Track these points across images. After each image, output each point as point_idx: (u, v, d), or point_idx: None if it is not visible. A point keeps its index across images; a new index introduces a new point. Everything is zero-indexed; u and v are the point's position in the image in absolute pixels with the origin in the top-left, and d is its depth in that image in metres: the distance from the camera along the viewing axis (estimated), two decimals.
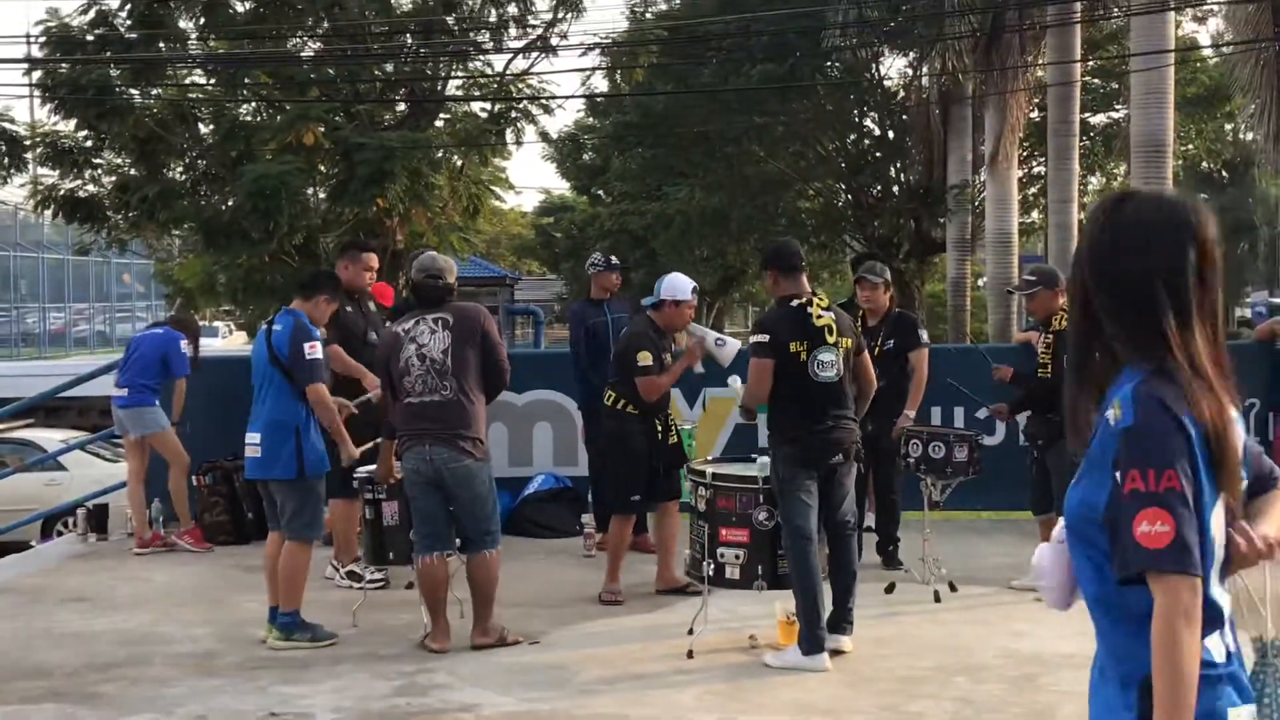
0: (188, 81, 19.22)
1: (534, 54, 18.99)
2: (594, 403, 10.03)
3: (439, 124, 19.61)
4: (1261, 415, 11.70)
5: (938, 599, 8.63)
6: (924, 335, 9.66)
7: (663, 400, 8.94)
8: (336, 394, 8.45)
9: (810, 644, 7.17)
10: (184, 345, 11.09)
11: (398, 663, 7.46)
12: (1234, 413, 2.66)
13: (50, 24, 17.54)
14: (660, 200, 32.77)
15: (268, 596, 8.00)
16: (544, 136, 32.64)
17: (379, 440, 8.20)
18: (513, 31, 18.97)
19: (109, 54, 17.72)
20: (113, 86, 17.38)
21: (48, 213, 19.34)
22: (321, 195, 18.62)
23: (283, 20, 18.53)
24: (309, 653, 7.68)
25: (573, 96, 28.87)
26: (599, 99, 30.20)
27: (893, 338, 9.32)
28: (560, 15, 18.50)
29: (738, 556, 7.50)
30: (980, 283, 32.10)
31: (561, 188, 52.70)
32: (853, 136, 31.51)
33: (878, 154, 31.14)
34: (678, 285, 8.91)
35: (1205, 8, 28.64)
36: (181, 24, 18.38)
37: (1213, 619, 2.60)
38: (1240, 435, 2.67)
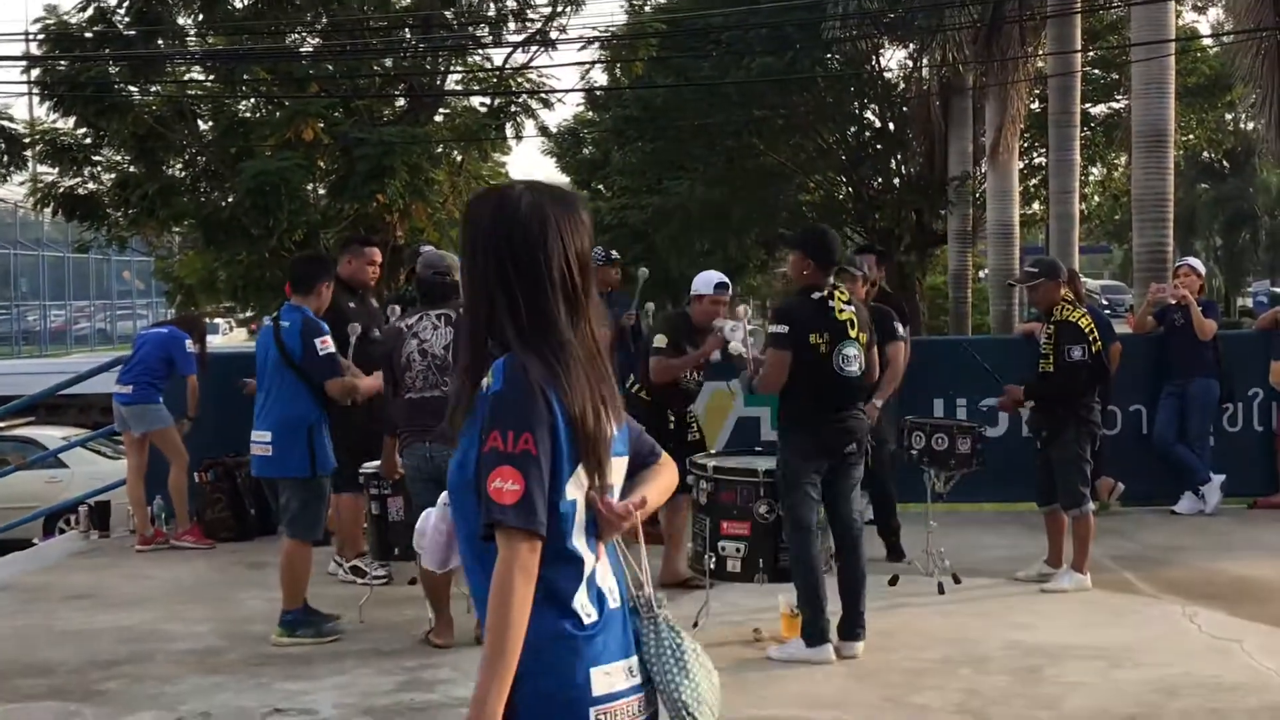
0: (187, 78, 19.20)
1: (533, 48, 18.95)
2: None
3: (438, 119, 19.60)
4: (1265, 405, 11.69)
5: (941, 591, 8.62)
6: (899, 329, 9.48)
7: (679, 394, 8.92)
8: None
9: (814, 635, 7.16)
10: (189, 345, 11.05)
11: (401, 658, 7.45)
12: (607, 392, 2.89)
13: (49, 21, 17.52)
14: (660, 194, 32.73)
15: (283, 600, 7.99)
16: (543, 131, 32.61)
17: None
18: (512, 26, 18.94)
19: (108, 51, 17.69)
20: (112, 83, 17.35)
21: (47, 210, 19.32)
22: (321, 191, 18.61)
23: (281, 16, 18.51)
24: (312, 649, 7.67)
25: (572, 90, 28.90)
26: (598, 93, 30.18)
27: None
28: (559, 9, 18.46)
29: (739, 550, 7.49)
30: (981, 275, 32.10)
31: (561, 182, 52.67)
32: (853, 129, 31.48)
33: (878, 146, 31.11)
34: (700, 280, 8.91)
35: None
36: (180, 20, 18.36)
37: (573, 576, 2.81)
38: (608, 414, 2.87)
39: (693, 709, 2.96)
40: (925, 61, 28.12)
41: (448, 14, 19.15)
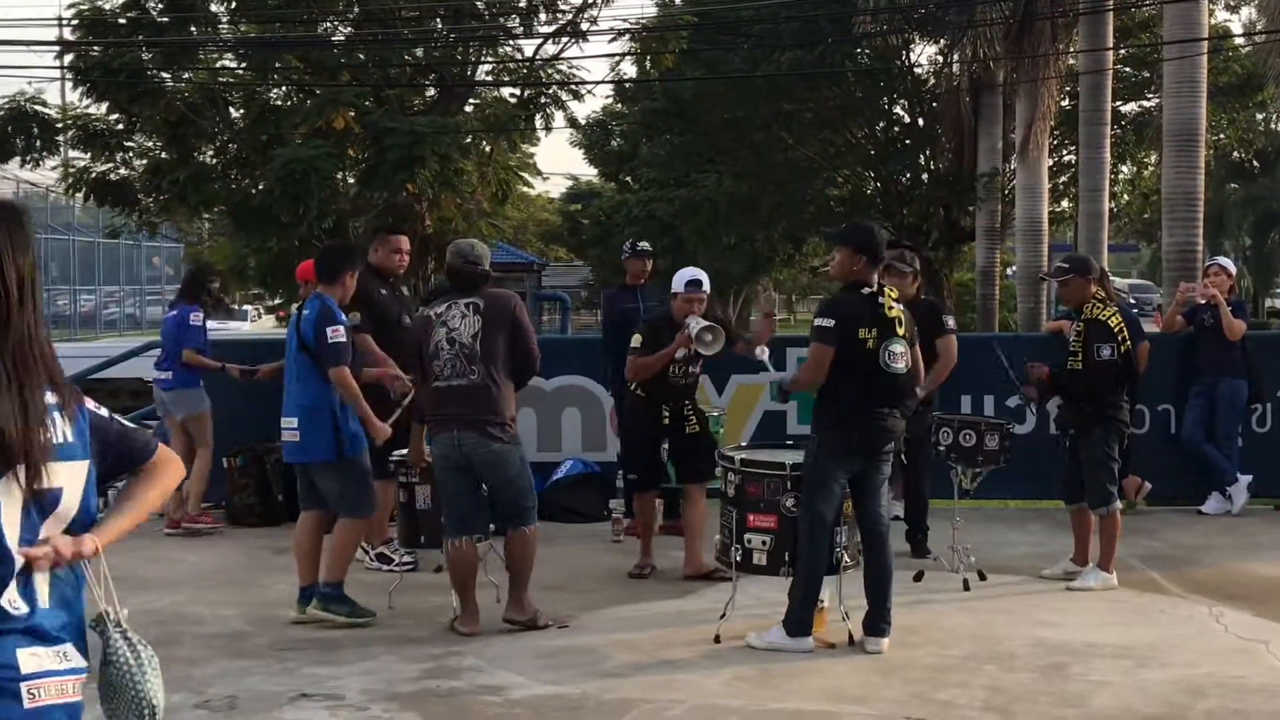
0: (219, 65, 19.23)
1: (564, 39, 18.94)
2: (624, 387, 10.14)
3: (468, 109, 19.60)
4: None
5: (967, 587, 8.62)
6: (950, 322, 9.61)
7: (672, 389, 9.03)
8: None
9: (797, 626, 7.25)
10: (193, 317, 11.00)
11: (427, 645, 7.48)
12: (35, 399, 3.07)
13: (83, 7, 17.57)
14: (688, 187, 32.69)
15: (297, 576, 8.03)
16: (572, 122, 32.58)
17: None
18: (543, 16, 18.91)
19: (141, 37, 17.74)
20: (144, 70, 17.39)
21: (79, 196, 19.37)
22: (351, 180, 18.63)
23: (314, 5, 18.53)
24: (339, 634, 7.71)
25: (602, 82, 28.79)
26: (628, 85, 30.14)
27: (918, 326, 9.23)
28: (590, 1, 18.45)
29: (765, 543, 7.51)
30: (1009, 271, 31.99)
31: (589, 174, 52.65)
32: (882, 124, 31.41)
33: (907, 141, 31.04)
34: (675, 278, 9.10)
35: None
36: (213, 8, 18.39)
37: (3, 574, 3.04)
38: (36, 421, 3.06)
39: (157, 707, 3.36)
40: (956, 57, 28.03)
41: (479, 4, 19.15)
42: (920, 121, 30.86)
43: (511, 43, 19.77)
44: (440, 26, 19.37)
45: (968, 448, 8.76)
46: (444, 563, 7.98)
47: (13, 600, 3.09)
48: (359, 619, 7.87)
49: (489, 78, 20.08)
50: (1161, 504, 11.61)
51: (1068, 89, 26.13)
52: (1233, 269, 11.93)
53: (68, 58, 17.91)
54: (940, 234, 29.56)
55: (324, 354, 7.89)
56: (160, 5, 17.60)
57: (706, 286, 8.98)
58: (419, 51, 19.46)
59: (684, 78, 27.19)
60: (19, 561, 3.09)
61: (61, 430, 3.15)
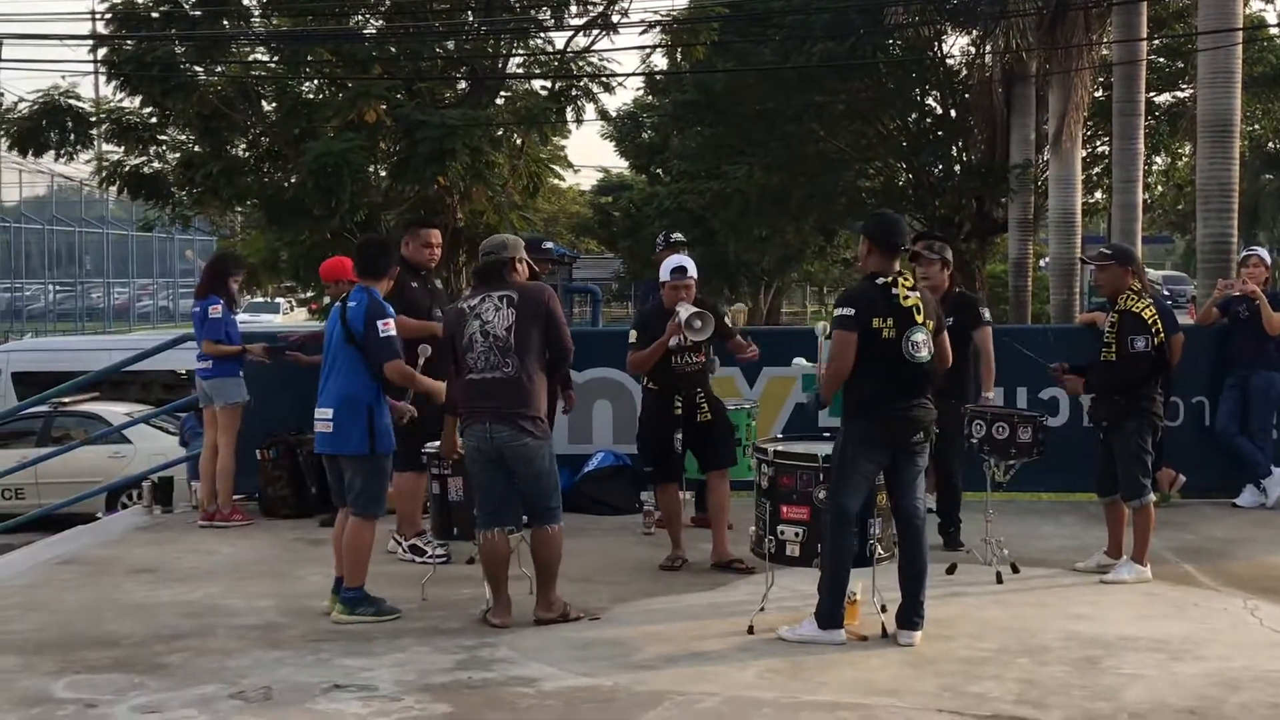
0: (251, 59, 19.32)
1: (595, 31, 18.97)
2: None
3: (499, 102, 19.64)
4: None
5: (999, 580, 8.59)
6: (986, 313, 9.60)
7: (681, 378, 9.05)
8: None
9: (828, 619, 7.24)
10: (213, 310, 11.01)
11: (459, 636, 7.50)
12: None
13: (116, 1, 17.67)
14: (719, 179, 32.64)
15: (334, 568, 8.06)
16: (603, 115, 32.59)
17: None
18: (574, 9, 18.96)
19: (174, 31, 17.83)
20: (177, 63, 17.50)
21: (113, 189, 19.51)
22: (383, 173, 18.70)
23: None
24: (371, 626, 7.74)
25: (633, 74, 28.80)
26: (659, 77, 30.13)
27: (953, 317, 9.17)
28: None
29: (798, 534, 7.51)
30: (1042, 263, 31.86)
31: (620, 166, 52.65)
32: (914, 115, 31.29)
33: (939, 133, 30.92)
34: (663, 267, 9.22)
35: None
36: (245, 1, 18.49)
37: None
38: None
39: None
40: (988, 48, 27.91)
41: None
42: (952, 113, 30.74)
43: (542, 35, 19.80)
44: (471, 19, 19.41)
45: (1000, 440, 8.72)
46: (476, 554, 7.99)
47: None
48: (386, 617, 7.88)
49: (520, 70, 20.13)
50: (1196, 497, 11.54)
51: (1101, 79, 26.00)
52: (1269, 259, 11.85)
53: (101, 52, 18.05)
54: (973, 226, 29.46)
55: (376, 349, 7.89)
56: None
57: (693, 273, 9.08)
58: (450, 44, 19.52)
59: (715, 69, 27.17)
60: None
61: None
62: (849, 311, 7.18)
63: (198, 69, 18.13)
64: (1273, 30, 31.48)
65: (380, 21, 19.60)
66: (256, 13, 19.02)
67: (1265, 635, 7.50)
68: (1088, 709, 6.24)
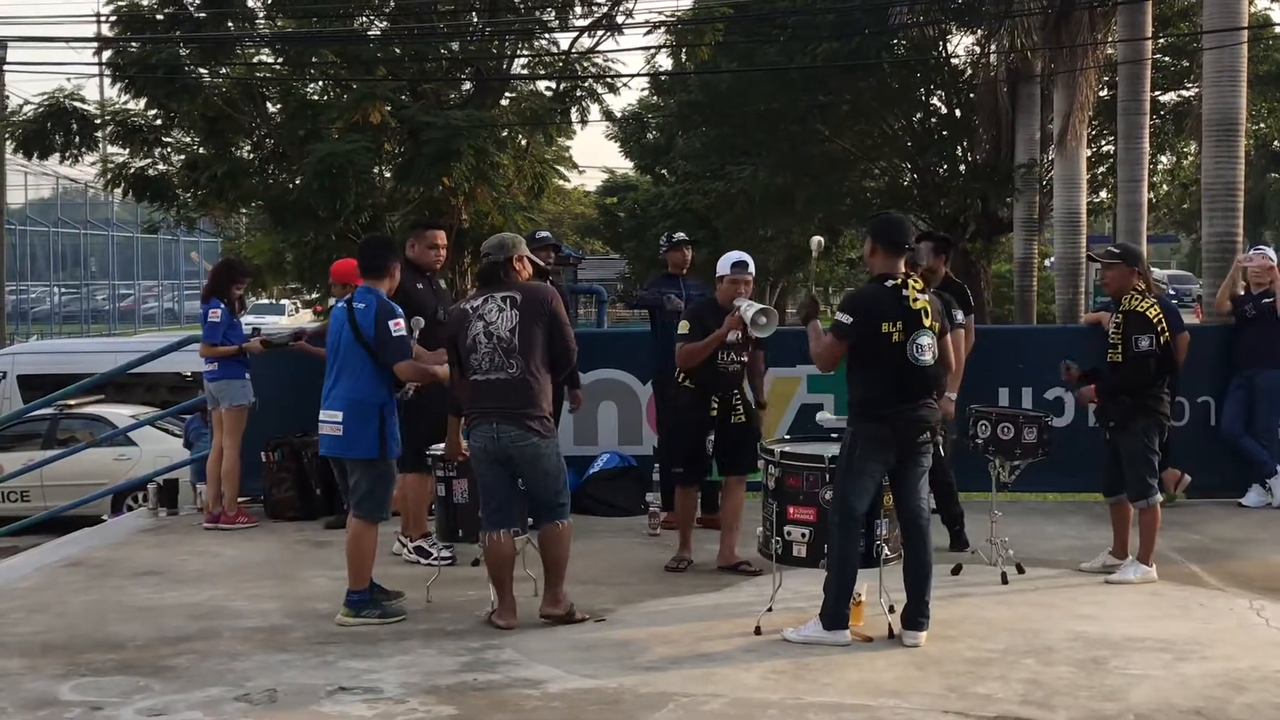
0: (256, 60, 19.33)
1: (599, 32, 18.98)
2: (663, 377, 10.18)
3: (504, 103, 19.65)
4: None
5: (1005, 581, 8.58)
6: (958, 316, 9.46)
7: (720, 378, 8.92)
8: None
9: (833, 619, 7.23)
10: (212, 314, 11.00)
11: (465, 638, 7.50)
12: None
13: (121, 3, 17.69)
14: (724, 180, 32.68)
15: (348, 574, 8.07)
16: (608, 115, 32.56)
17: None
18: (578, 10, 18.98)
19: (178, 33, 17.84)
20: (182, 65, 17.51)
21: (118, 191, 19.52)
22: (388, 174, 18.70)
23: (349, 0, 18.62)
24: (377, 628, 7.74)
25: (637, 75, 28.92)
26: (663, 77, 30.15)
27: None
28: None
29: (804, 535, 7.52)
30: (1047, 263, 31.84)
31: (625, 167, 52.69)
32: (919, 115, 31.31)
33: (944, 133, 30.93)
34: (720, 261, 9.04)
35: None
36: (249, 3, 18.51)
37: None
38: None
39: None
40: (993, 47, 27.91)
41: None
42: (957, 112, 30.76)
43: (547, 36, 19.81)
44: (476, 20, 19.41)
45: (1006, 441, 8.71)
46: (481, 556, 7.99)
47: None
48: (391, 619, 7.88)
49: (525, 71, 20.13)
50: (1201, 497, 11.53)
51: (1106, 79, 26.00)
52: (1274, 257, 11.85)
53: (106, 54, 18.06)
54: (978, 225, 29.46)
55: (388, 349, 7.87)
56: (197, 1, 17.70)
57: (752, 268, 8.96)
58: (455, 45, 19.51)
59: (720, 70, 27.19)
60: None
61: None
62: (846, 320, 7.17)
63: (202, 71, 18.15)
64: (1278, 29, 31.46)
65: (385, 23, 19.61)
66: (261, 14, 19.04)
67: (1271, 635, 7.49)
68: (1093, 709, 6.23)
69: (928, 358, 7.20)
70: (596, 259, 58.89)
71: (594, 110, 19.59)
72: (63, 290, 48.85)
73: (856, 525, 7.22)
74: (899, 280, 7.25)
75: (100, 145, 19.40)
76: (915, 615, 7.28)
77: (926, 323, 7.21)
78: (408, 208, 17.86)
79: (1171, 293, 38.07)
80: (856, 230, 36.76)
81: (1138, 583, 8.54)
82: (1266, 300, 11.28)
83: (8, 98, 25.99)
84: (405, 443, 8.32)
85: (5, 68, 26.95)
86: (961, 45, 34.02)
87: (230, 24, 18.31)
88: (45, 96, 18.13)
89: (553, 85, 19.57)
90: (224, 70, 18.56)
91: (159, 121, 18.20)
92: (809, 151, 30.41)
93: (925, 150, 30.69)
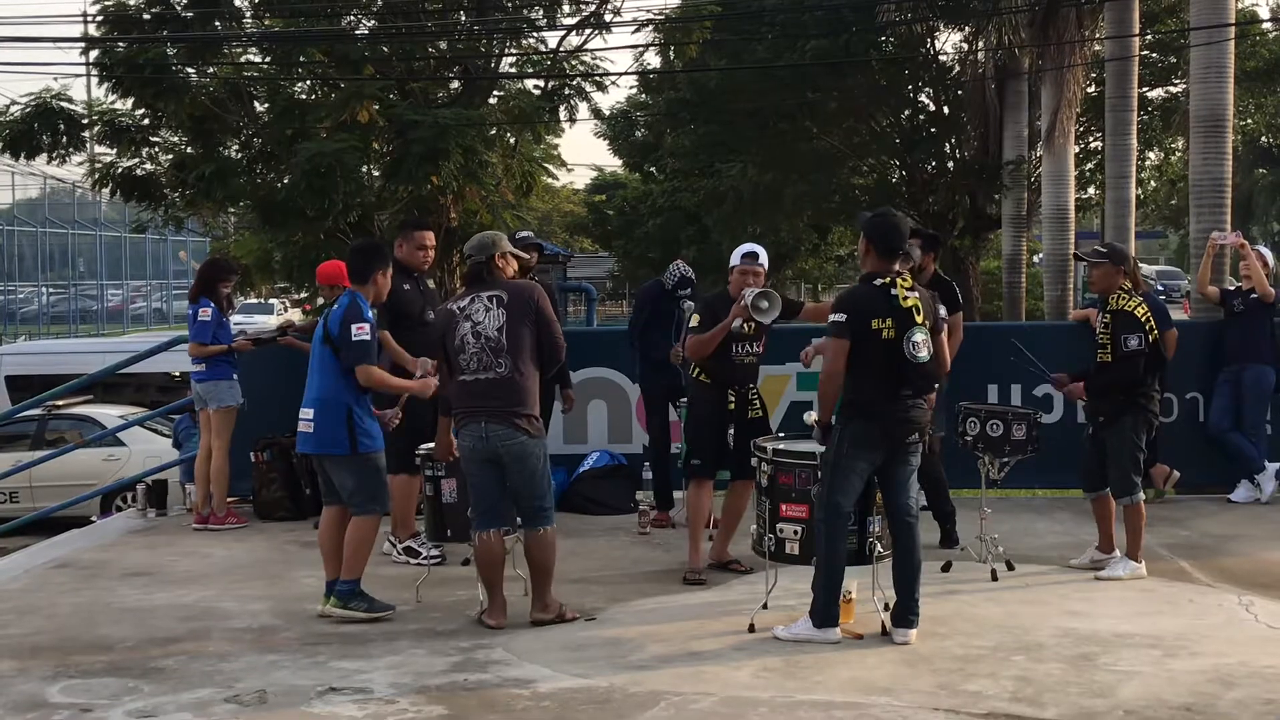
0: (243, 60, 19.29)
1: (587, 31, 18.97)
2: (653, 380, 10.19)
3: (492, 101, 19.63)
4: None
5: (995, 577, 8.60)
6: (942, 311, 9.44)
7: (736, 370, 8.86)
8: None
9: (823, 617, 7.25)
10: (201, 313, 10.98)
11: (455, 638, 7.50)
12: None
13: (107, 3, 17.64)
14: (713, 177, 32.70)
15: (325, 570, 8.06)
16: (597, 113, 32.60)
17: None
18: (566, 8, 18.97)
19: (165, 33, 17.80)
20: (169, 65, 17.46)
21: (105, 191, 19.45)
22: (376, 173, 18.68)
23: None
24: (367, 627, 7.73)
25: (626, 73, 28.89)
26: (652, 75, 30.15)
27: None
28: None
29: (796, 532, 7.52)
30: (1036, 259, 31.89)
31: (614, 165, 52.71)
32: (907, 112, 31.33)
33: (932, 130, 30.95)
34: (734, 253, 8.98)
35: None
36: (237, 2, 18.47)
37: None
38: None
39: None
40: (981, 45, 27.94)
41: None
42: (945, 109, 30.77)
43: (535, 35, 19.79)
44: (464, 19, 19.38)
45: (995, 438, 8.72)
46: (471, 556, 7.99)
47: None
48: (378, 614, 7.88)
49: (513, 70, 20.11)
50: (1190, 492, 11.56)
51: (1094, 75, 26.03)
52: (1270, 258, 11.91)
53: (93, 54, 18.00)
54: (966, 222, 29.49)
55: (347, 351, 7.90)
56: (184, 1, 17.65)
57: (764, 259, 8.88)
58: (443, 44, 19.49)
59: (708, 68, 27.18)
60: None
61: None
62: (841, 317, 7.18)
63: (190, 70, 18.10)
64: (1265, 25, 31.52)
65: (372, 22, 19.58)
66: (248, 14, 19.00)
67: (1260, 631, 7.50)
68: (1083, 706, 6.24)
69: (924, 354, 7.21)
70: (585, 257, 58.94)
71: (582, 108, 19.69)
72: (51, 290, 48.75)
73: (843, 523, 7.23)
74: (887, 280, 7.26)
75: (88, 145, 19.35)
76: (905, 613, 7.30)
77: (919, 319, 7.22)
78: (396, 207, 17.84)
79: (1160, 289, 38.10)
80: (847, 226, 36.80)
81: (1127, 579, 8.56)
82: (1254, 295, 11.31)
83: None
84: (393, 443, 8.32)
85: None
86: (949, 42, 34.09)
87: (217, 23, 18.28)
88: (32, 96, 18.06)
89: (541, 84, 19.56)
90: (211, 70, 18.52)
91: (146, 121, 18.15)
92: (798, 149, 30.44)
93: (914, 147, 30.71)
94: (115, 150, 18.51)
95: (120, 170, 18.45)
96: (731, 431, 8.80)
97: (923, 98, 31.46)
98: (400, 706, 6.38)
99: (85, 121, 18.33)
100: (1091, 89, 26.91)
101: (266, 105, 18.59)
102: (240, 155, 18.63)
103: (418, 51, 19.21)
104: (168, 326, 44.62)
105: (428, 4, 19.29)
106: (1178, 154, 32.85)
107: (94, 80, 19.35)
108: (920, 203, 30.30)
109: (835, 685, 6.58)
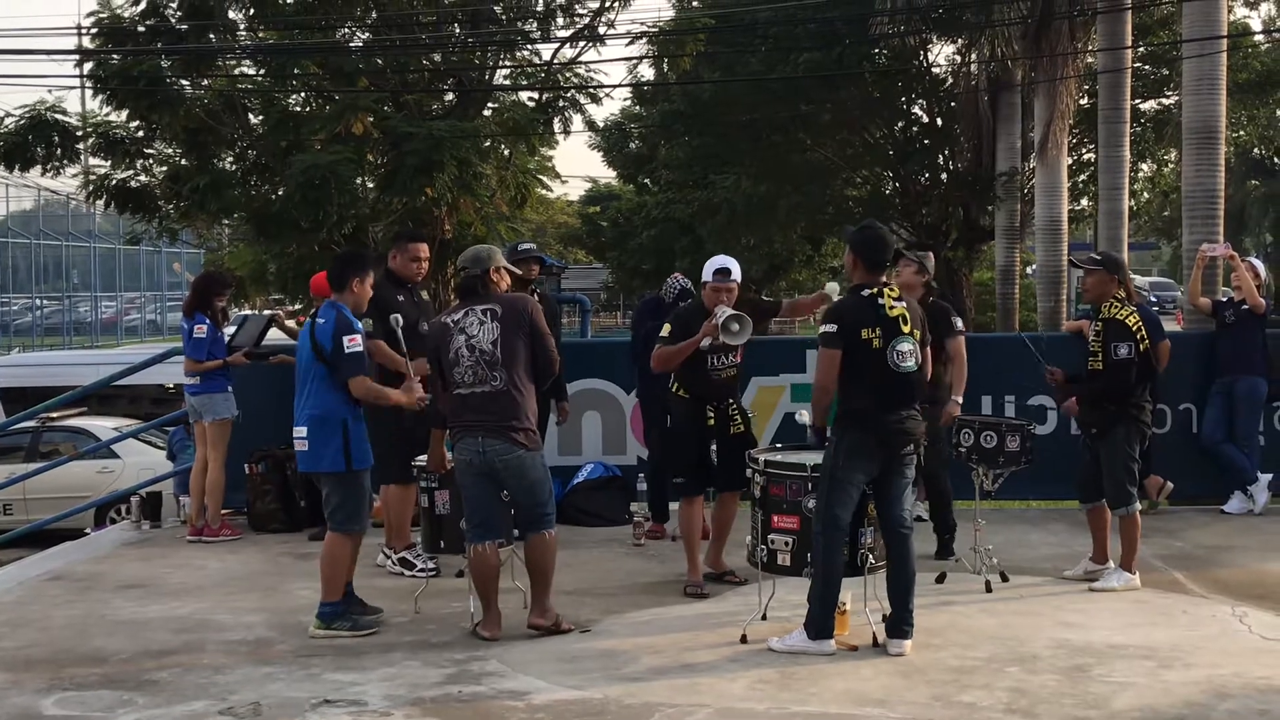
0: (237, 72, 19.29)
1: (581, 43, 18.96)
2: (652, 393, 10.22)
3: (487, 113, 19.62)
4: None
5: (989, 589, 8.61)
6: (958, 323, 9.56)
7: (714, 386, 8.83)
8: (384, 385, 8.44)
9: (818, 629, 7.26)
10: (197, 329, 10.98)
11: (449, 650, 7.50)
12: None
13: (102, 15, 17.63)
14: (707, 189, 32.71)
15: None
16: (591, 125, 32.63)
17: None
18: (560, 20, 18.95)
19: (160, 45, 17.80)
20: (163, 77, 17.44)
21: (99, 203, 19.41)
22: (370, 185, 18.66)
23: (331, 11, 18.58)
24: (361, 640, 7.73)
25: (620, 85, 28.93)
26: (646, 88, 30.19)
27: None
28: (608, 4, 18.46)
29: (788, 543, 7.54)
30: (1029, 270, 31.91)
31: (608, 176, 52.73)
32: (900, 124, 31.38)
33: (926, 141, 31.00)
34: (706, 267, 8.87)
35: None
36: (231, 15, 18.46)
37: None
38: None
39: None
40: (974, 57, 27.99)
41: (496, 9, 19.18)
42: (939, 121, 30.82)
43: (529, 47, 19.79)
44: (458, 31, 19.39)
45: (989, 449, 8.75)
46: (465, 568, 7.99)
47: None
48: (362, 631, 7.87)
49: (507, 82, 20.11)
50: (1184, 504, 11.58)
51: (1086, 87, 26.08)
52: (1262, 269, 11.94)
53: (87, 66, 17.98)
54: (959, 233, 29.54)
55: (342, 364, 7.89)
56: (179, 13, 17.65)
57: (736, 274, 8.77)
58: (437, 56, 19.49)
59: (702, 80, 27.22)
60: None
61: None
62: (832, 328, 7.22)
63: (184, 83, 18.09)
64: (1257, 37, 31.61)
65: (367, 34, 19.59)
66: (243, 26, 18.98)
67: (1254, 642, 7.52)
68: (1078, 717, 6.25)
69: (910, 363, 7.23)
70: (580, 268, 58.92)
71: (576, 120, 19.58)
72: (45, 302, 48.68)
73: (841, 534, 7.24)
74: (875, 290, 7.29)
75: (82, 157, 19.32)
76: (899, 624, 7.31)
77: (905, 329, 7.24)
78: (391, 219, 17.82)
79: (1153, 300, 38.19)
80: (840, 237, 36.82)
81: (1121, 590, 8.57)
82: (1245, 307, 11.34)
83: None
84: (389, 453, 8.32)
85: None
86: (942, 55, 34.13)
87: (212, 36, 18.27)
88: (27, 109, 18.04)
89: (535, 96, 19.56)
90: (206, 82, 18.51)
91: (141, 133, 18.12)
92: (791, 160, 30.46)
93: (907, 159, 30.76)
94: (109, 162, 18.47)
95: (114, 182, 18.41)
96: (715, 446, 8.75)
97: (916, 110, 31.51)
98: (394, 719, 6.38)
99: (79, 134, 18.30)
100: (1084, 101, 26.96)
101: (261, 117, 18.56)
102: (235, 167, 18.61)
103: (412, 64, 19.21)
104: (162, 338, 44.53)
105: (422, 17, 19.29)
106: (1170, 166, 32.90)
107: (88, 92, 19.34)
108: (914, 214, 30.35)
109: (830, 697, 6.58)
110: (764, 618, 7.63)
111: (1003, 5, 21.94)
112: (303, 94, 19.13)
